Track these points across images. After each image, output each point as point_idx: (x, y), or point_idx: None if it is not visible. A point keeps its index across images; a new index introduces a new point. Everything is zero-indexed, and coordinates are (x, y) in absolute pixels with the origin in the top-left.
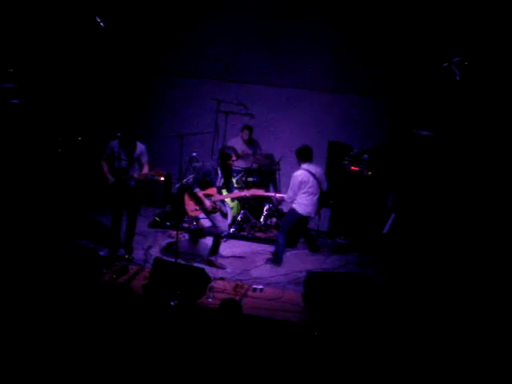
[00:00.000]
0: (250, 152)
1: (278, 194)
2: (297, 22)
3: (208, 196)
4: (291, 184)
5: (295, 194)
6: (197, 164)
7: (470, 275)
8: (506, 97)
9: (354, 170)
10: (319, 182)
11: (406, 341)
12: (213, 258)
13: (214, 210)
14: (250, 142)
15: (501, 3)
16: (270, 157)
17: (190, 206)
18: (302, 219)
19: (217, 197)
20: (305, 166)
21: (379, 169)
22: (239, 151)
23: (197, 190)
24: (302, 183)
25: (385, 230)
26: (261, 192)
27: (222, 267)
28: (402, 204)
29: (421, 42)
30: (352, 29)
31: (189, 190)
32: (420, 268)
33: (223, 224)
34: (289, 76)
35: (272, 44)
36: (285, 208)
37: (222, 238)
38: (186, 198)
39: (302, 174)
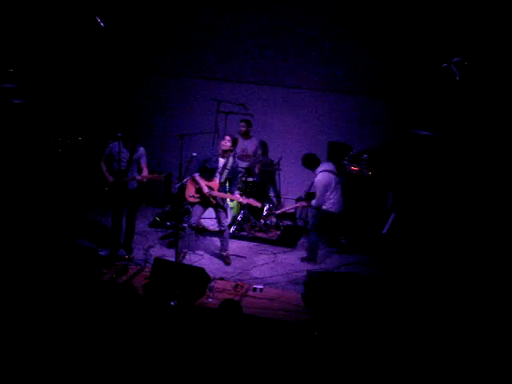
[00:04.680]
0: (251, 149)
1: (300, 203)
2: (297, 22)
3: (209, 187)
4: (317, 190)
5: (324, 197)
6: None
7: (470, 275)
8: (506, 97)
9: (353, 169)
10: (338, 177)
11: (406, 341)
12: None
13: (210, 201)
14: (249, 138)
15: (501, 3)
16: (269, 157)
17: (190, 191)
18: (332, 217)
19: (215, 192)
20: (319, 168)
21: (379, 169)
22: (240, 149)
23: (196, 175)
24: (326, 186)
25: (385, 230)
26: (257, 204)
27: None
28: (401, 204)
29: (421, 42)
30: (352, 29)
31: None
32: (420, 268)
33: (225, 221)
34: (289, 76)
35: (272, 44)
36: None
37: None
38: (189, 182)
39: (322, 176)
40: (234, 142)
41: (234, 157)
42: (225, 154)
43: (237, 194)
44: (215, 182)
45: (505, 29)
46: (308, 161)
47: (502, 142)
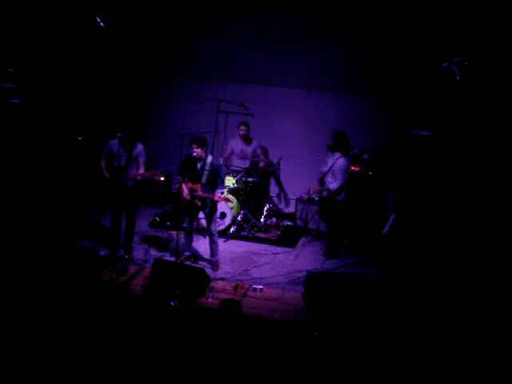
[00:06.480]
0: (249, 151)
1: (320, 187)
2: (297, 22)
3: (193, 190)
4: (340, 174)
5: (343, 182)
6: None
7: (469, 275)
8: (506, 97)
9: (354, 170)
10: None
11: (406, 341)
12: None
13: (196, 204)
14: (248, 140)
15: (501, 3)
16: (269, 157)
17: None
18: (340, 205)
19: (198, 193)
20: (338, 153)
21: (379, 169)
22: (238, 151)
23: (178, 178)
24: (348, 171)
25: (385, 231)
26: (233, 200)
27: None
28: (402, 204)
29: (421, 42)
30: (352, 29)
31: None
32: (420, 268)
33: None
34: (289, 76)
35: (272, 43)
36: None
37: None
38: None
39: (346, 161)
40: (202, 144)
41: (212, 155)
42: (200, 159)
43: (218, 193)
44: (198, 185)
45: (505, 29)
46: (341, 138)
47: (502, 142)
